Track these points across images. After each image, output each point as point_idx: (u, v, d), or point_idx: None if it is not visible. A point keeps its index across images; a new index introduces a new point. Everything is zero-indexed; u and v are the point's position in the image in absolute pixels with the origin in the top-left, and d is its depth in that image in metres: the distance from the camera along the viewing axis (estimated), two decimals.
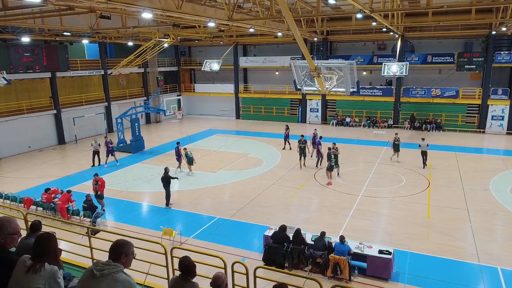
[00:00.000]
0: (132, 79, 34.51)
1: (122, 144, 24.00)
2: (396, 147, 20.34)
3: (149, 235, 11.91)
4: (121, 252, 3.47)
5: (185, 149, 19.46)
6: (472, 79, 29.96)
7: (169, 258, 6.16)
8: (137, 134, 24.36)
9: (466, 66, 27.54)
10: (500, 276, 10.06)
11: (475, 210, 14.30)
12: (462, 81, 29.64)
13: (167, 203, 15.04)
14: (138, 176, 19.16)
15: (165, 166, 15.85)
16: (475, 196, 15.71)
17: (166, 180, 14.88)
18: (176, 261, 4.97)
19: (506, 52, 27.61)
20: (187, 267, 4.38)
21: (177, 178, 16.00)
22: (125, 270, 3.49)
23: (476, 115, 29.25)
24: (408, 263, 10.67)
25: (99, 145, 21.02)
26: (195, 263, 4.51)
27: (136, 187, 17.55)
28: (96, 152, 20.86)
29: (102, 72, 30.43)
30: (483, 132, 28.50)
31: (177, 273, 4.85)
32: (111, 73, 30.37)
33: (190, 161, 19.09)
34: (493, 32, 25.84)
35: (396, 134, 20.88)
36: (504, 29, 22.84)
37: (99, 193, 14.39)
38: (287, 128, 24.15)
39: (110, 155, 20.89)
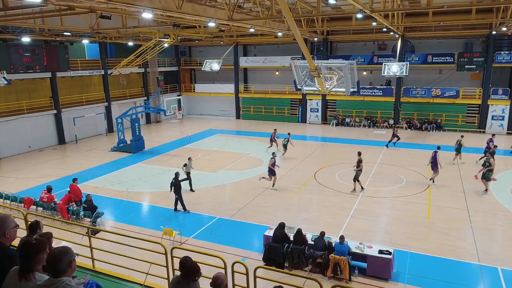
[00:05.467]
0: (132, 79, 34.51)
1: (122, 144, 24.02)
2: (458, 150, 20.45)
3: (149, 235, 11.92)
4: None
5: (289, 134, 22.14)
6: (473, 79, 29.97)
7: (169, 258, 6.17)
8: (137, 134, 24.34)
9: (466, 66, 27.53)
10: (500, 276, 10.06)
11: (475, 210, 14.30)
12: (462, 81, 29.65)
13: (184, 208, 14.49)
14: (138, 176, 19.15)
15: (176, 171, 15.12)
16: (475, 196, 15.72)
17: (176, 186, 14.35)
18: (176, 261, 4.97)
19: (506, 52, 27.60)
20: (188, 268, 4.39)
21: (185, 179, 14.83)
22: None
23: (477, 115, 29.24)
24: (408, 263, 10.67)
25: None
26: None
27: (136, 187, 17.55)
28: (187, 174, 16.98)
29: (102, 72, 30.43)
30: (483, 132, 28.48)
31: (177, 272, 4.85)
32: (111, 73, 30.37)
33: (284, 146, 21.94)
34: (493, 32, 25.84)
35: (462, 136, 21.12)
36: (504, 29, 22.83)
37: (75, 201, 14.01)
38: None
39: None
